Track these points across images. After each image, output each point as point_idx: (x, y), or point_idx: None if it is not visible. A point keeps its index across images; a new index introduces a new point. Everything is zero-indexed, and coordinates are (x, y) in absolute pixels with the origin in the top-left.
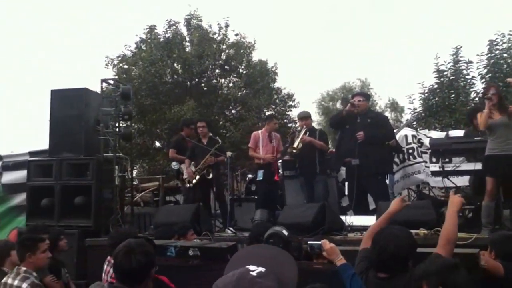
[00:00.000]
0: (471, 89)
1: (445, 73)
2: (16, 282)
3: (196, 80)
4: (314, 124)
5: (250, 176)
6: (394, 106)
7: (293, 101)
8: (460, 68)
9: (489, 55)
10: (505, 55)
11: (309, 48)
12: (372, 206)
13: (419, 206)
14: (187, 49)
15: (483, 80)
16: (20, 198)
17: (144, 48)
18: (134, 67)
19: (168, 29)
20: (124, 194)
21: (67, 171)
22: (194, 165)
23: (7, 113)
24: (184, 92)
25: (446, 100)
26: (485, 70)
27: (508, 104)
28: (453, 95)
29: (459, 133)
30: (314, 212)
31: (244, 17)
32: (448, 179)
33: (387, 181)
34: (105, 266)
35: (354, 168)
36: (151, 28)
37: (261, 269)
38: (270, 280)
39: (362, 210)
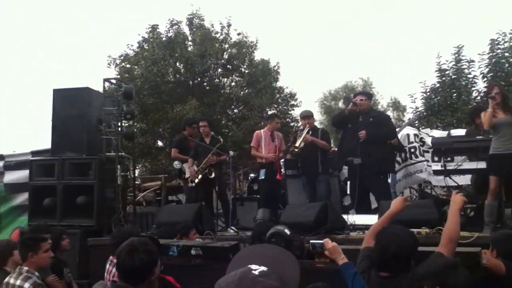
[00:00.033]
0: (473, 88)
1: (447, 72)
2: (18, 282)
3: (198, 79)
4: (316, 123)
5: (252, 175)
6: (396, 105)
7: (295, 100)
8: (462, 67)
9: (490, 54)
10: (506, 54)
11: (311, 47)
12: (374, 205)
13: (421, 205)
14: (189, 49)
15: (485, 79)
16: (22, 198)
17: (146, 47)
18: (136, 67)
19: (170, 29)
20: (126, 194)
21: (69, 170)
22: (196, 165)
23: (8, 114)
24: (186, 92)
25: (448, 99)
26: (487, 69)
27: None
28: (455, 94)
29: (461, 132)
30: (316, 211)
31: (246, 16)
32: (450, 178)
33: (389, 180)
34: (107, 266)
35: (356, 167)
36: (153, 28)
37: (263, 268)
38: (272, 279)
39: (364, 209)
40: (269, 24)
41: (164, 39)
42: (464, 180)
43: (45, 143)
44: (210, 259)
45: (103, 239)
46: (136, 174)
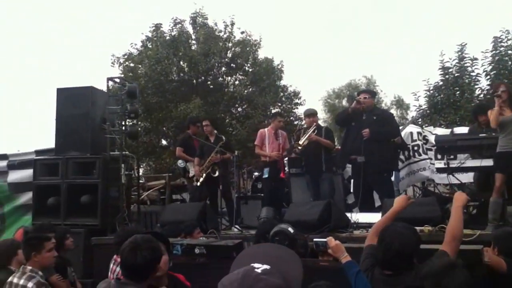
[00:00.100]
0: (476, 86)
1: (450, 70)
2: (21, 281)
3: (202, 78)
4: (320, 122)
5: (256, 174)
6: (400, 103)
7: (299, 98)
8: (465, 65)
9: (493, 52)
10: (509, 51)
11: (315, 46)
12: (377, 203)
13: (424, 203)
14: (193, 47)
15: (488, 77)
16: (26, 197)
17: (150, 46)
18: (140, 65)
19: (174, 27)
20: (130, 193)
21: (73, 169)
22: (201, 164)
23: (10, 113)
24: (190, 90)
25: (451, 97)
26: (490, 67)
27: None
28: (458, 92)
29: (464, 130)
30: (320, 209)
31: (250, 15)
32: (453, 175)
33: (393, 178)
34: (111, 265)
35: (360, 165)
36: (157, 27)
37: (266, 266)
38: (275, 277)
39: (367, 207)
40: (272, 23)
41: (167, 38)
42: (467, 178)
43: (49, 142)
44: (214, 258)
45: (107, 238)
46: (140, 173)
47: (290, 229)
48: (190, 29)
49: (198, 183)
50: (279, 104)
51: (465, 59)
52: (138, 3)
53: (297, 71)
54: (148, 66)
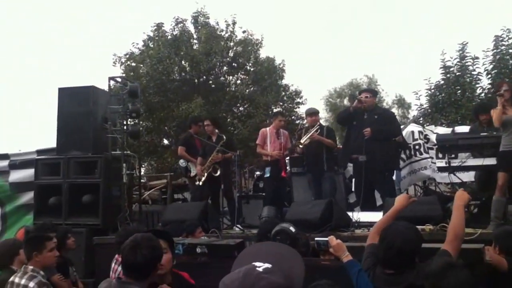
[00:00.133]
0: (477, 85)
1: (451, 69)
2: (23, 281)
3: (204, 77)
4: (321, 121)
5: (258, 173)
6: (401, 103)
7: (300, 98)
8: (466, 64)
9: (494, 50)
10: (510, 50)
11: (317, 45)
12: (379, 202)
13: (425, 202)
14: (194, 47)
15: (489, 76)
16: (28, 197)
17: (152, 45)
18: (141, 65)
19: (175, 27)
20: (132, 192)
21: (75, 169)
22: (204, 163)
23: (11, 113)
24: (192, 90)
25: (452, 96)
26: (491, 66)
27: None
28: (459, 91)
29: (465, 128)
30: (321, 208)
31: (252, 14)
32: (454, 174)
33: (394, 177)
34: (113, 265)
35: (361, 164)
36: (159, 26)
37: (267, 265)
38: (277, 276)
39: (369, 206)
40: (274, 22)
41: (169, 37)
42: (468, 176)
43: (49, 142)
44: (216, 257)
45: (108, 237)
46: (142, 173)
47: (292, 228)
48: (191, 28)
49: (200, 183)
50: (281, 104)
51: (466, 58)
52: (139, 3)
53: (299, 71)
54: (149, 66)
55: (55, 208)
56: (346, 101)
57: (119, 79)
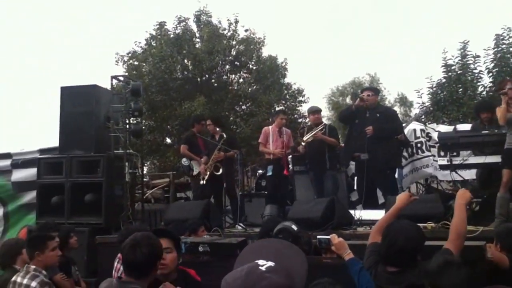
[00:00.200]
0: (479, 83)
1: (452, 67)
2: (25, 281)
3: (206, 76)
4: (324, 119)
5: (260, 171)
6: (403, 101)
7: (303, 96)
8: (468, 62)
9: (495, 49)
10: (511, 49)
11: (319, 44)
12: (381, 200)
13: (427, 200)
14: (197, 45)
15: (490, 74)
16: (30, 196)
17: (154, 44)
18: (144, 64)
19: (178, 26)
20: (134, 191)
21: (77, 168)
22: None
23: (12, 113)
24: (195, 88)
25: (454, 94)
26: (492, 64)
27: None
28: (460, 89)
29: (466, 126)
30: (324, 207)
31: (254, 12)
32: (456, 172)
33: (396, 175)
34: (115, 264)
35: (363, 162)
36: (161, 25)
37: (270, 263)
38: (279, 275)
39: (371, 204)
40: (276, 21)
41: (171, 36)
42: (470, 174)
43: (49, 141)
44: (218, 256)
45: (111, 237)
46: (145, 172)
47: (294, 227)
48: (194, 27)
49: (204, 182)
50: (283, 102)
51: (467, 57)
52: (142, 2)
53: (301, 69)
54: (152, 64)
55: (57, 207)
56: (348, 100)
57: (121, 78)
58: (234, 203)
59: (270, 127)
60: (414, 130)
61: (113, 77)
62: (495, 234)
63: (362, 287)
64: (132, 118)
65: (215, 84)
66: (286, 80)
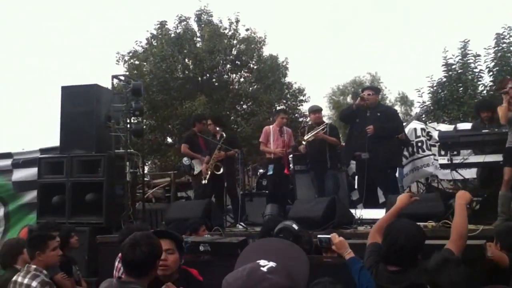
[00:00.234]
0: (479, 83)
1: (453, 66)
2: (26, 281)
3: (207, 75)
4: (324, 118)
5: (261, 171)
6: (404, 100)
7: (304, 95)
8: (468, 61)
9: (496, 48)
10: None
11: (320, 43)
12: (381, 199)
13: (427, 199)
14: (198, 45)
15: (491, 73)
16: (31, 196)
17: (155, 44)
18: (145, 63)
19: (178, 25)
20: (135, 191)
21: (78, 168)
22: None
23: (12, 113)
24: (195, 88)
25: (454, 93)
26: (493, 63)
27: None
28: (461, 89)
29: (467, 126)
30: (324, 206)
31: (255, 12)
32: (457, 171)
33: (397, 175)
34: (116, 263)
35: (364, 161)
36: (162, 24)
37: (272, 264)
38: (281, 276)
39: (371, 203)
40: (277, 20)
41: (172, 35)
42: (470, 173)
43: (52, 141)
44: (219, 255)
45: (112, 236)
46: (146, 171)
47: (295, 226)
48: (195, 26)
49: (205, 181)
50: (284, 101)
51: (468, 56)
52: (143, 1)
53: (302, 68)
54: (153, 64)
55: (58, 207)
56: (349, 99)
57: (122, 78)
58: (235, 203)
59: (271, 126)
60: (415, 129)
61: (114, 77)
62: (495, 233)
63: (362, 286)
64: (133, 118)
65: (216, 84)
66: (287, 79)
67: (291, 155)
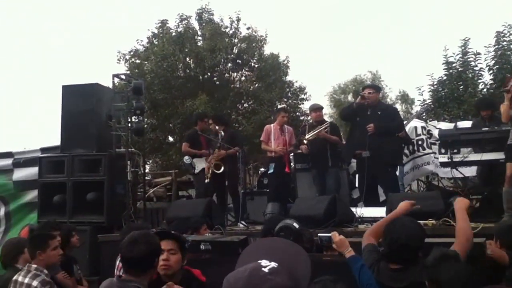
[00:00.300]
0: (479, 81)
1: (453, 65)
2: (26, 280)
3: (208, 74)
4: (325, 117)
5: (262, 169)
6: (405, 98)
7: (305, 94)
8: (469, 59)
9: (496, 46)
10: None
11: (320, 41)
12: (382, 197)
13: (428, 197)
14: (199, 43)
15: (491, 71)
16: (32, 195)
17: (156, 42)
18: (146, 62)
19: (180, 24)
20: (136, 190)
21: (79, 167)
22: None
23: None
24: (197, 86)
25: (455, 91)
26: (493, 62)
27: None
28: (461, 87)
29: (467, 124)
30: (325, 204)
31: (256, 10)
32: (457, 169)
33: (397, 173)
34: (117, 262)
35: (365, 160)
36: (163, 23)
37: (273, 264)
38: (282, 277)
39: (372, 202)
40: (278, 18)
41: (173, 34)
42: (470, 171)
43: (52, 140)
44: (220, 254)
45: (113, 235)
46: (147, 170)
47: (296, 224)
48: (196, 25)
49: (208, 180)
50: (285, 100)
51: (468, 54)
52: (144, 0)
53: (303, 67)
54: (154, 63)
55: (59, 206)
56: (350, 97)
57: (123, 76)
58: (236, 201)
59: (272, 125)
60: (415, 128)
61: (115, 76)
62: (495, 231)
63: (363, 285)
64: (134, 117)
65: (217, 82)
66: (288, 78)
67: (292, 154)
